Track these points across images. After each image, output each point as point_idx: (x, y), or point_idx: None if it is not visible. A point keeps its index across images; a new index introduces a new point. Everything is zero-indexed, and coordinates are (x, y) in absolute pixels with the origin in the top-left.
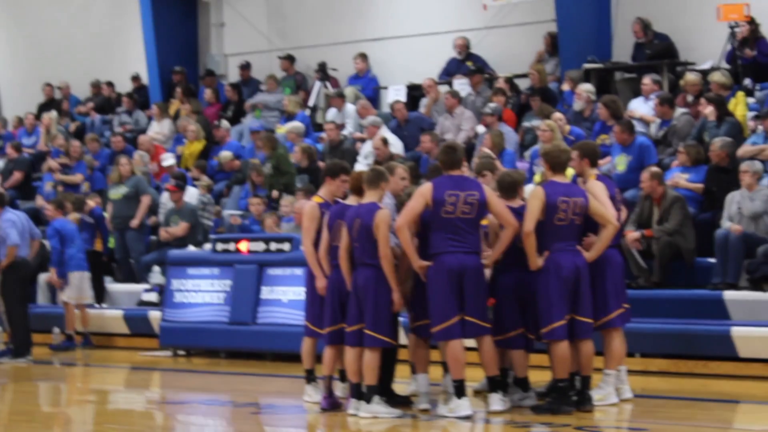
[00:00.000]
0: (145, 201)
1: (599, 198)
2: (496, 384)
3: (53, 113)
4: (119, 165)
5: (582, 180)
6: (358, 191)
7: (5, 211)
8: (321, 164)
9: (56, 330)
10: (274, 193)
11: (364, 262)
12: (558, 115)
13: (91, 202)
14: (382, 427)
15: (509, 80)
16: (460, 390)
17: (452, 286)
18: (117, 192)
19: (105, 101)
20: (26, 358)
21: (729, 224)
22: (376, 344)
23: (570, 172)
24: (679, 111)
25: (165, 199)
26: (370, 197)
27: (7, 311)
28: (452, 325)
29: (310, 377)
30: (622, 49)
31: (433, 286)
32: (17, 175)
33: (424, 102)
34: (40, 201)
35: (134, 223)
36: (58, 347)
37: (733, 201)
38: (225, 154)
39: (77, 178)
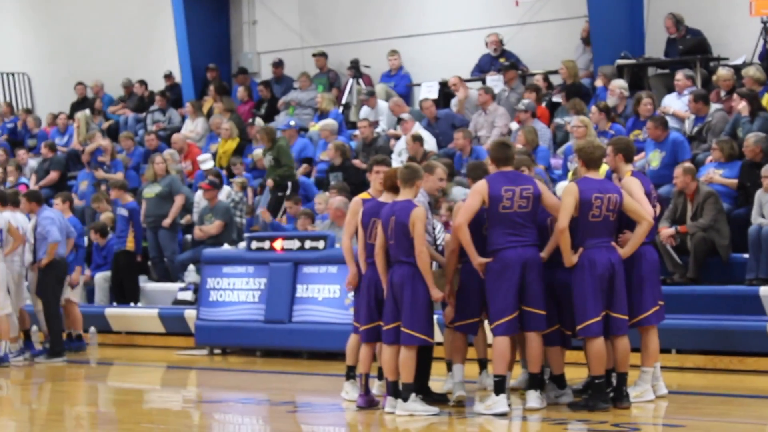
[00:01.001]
0: (179, 200)
1: (635, 194)
2: (536, 381)
3: (86, 112)
4: (154, 164)
5: (617, 176)
6: (393, 189)
7: (43, 209)
8: (354, 161)
9: (92, 329)
10: (269, 183)
11: (399, 259)
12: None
13: (128, 196)
14: (419, 425)
15: (545, 77)
16: (500, 386)
17: (514, 281)
18: (151, 191)
19: (138, 100)
20: (62, 358)
21: (761, 220)
22: (412, 342)
23: (604, 168)
24: (714, 107)
25: (198, 197)
26: (404, 195)
27: (45, 310)
28: (513, 320)
29: (350, 374)
30: (655, 45)
31: (494, 283)
32: (52, 175)
33: (453, 101)
34: (75, 200)
35: (166, 222)
36: (68, 348)
37: (762, 199)
38: (258, 153)
39: (118, 175)
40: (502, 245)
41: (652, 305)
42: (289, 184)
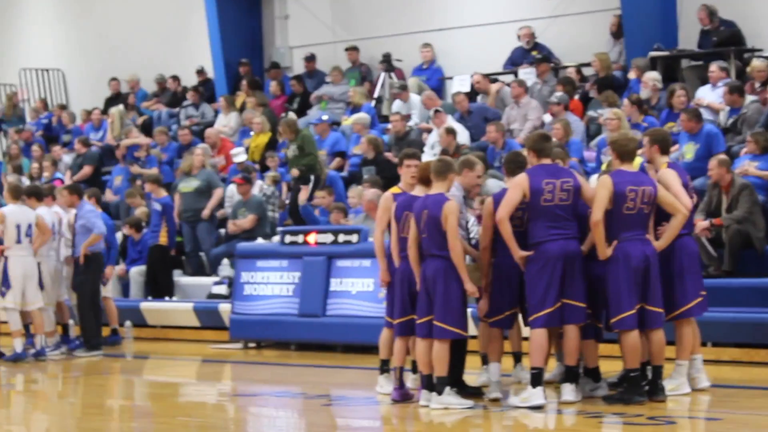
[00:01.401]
0: (218, 194)
1: (672, 186)
2: (571, 374)
3: (120, 107)
4: (193, 155)
5: (652, 167)
6: (426, 182)
7: (84, 203)
8: (388, 155)
9: (128, 323)
10: (294, 172)
11: (432, 253)
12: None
13: (162, 190)
14: (454, 418)
15: (578, 69)
16: (537, 378)
17: (556, 274)
18: (188, 185)
19: (171, 95)
20: (99, 351)
21: None
22: (445, 336)
23: (638, 160)
24: (749, 99)
25: (231, 192)
26: (437, 188)
27: (78, 304)
28: (552, 312)
29: (384, 368)
30: (688, 37)
31: (535, 276)
32: (86, 170)
33: (479, 98)
34: (109, 195)
35: (205, 213)
36: (105, 342)
37: None
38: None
39: (153, 170)
40: (544, 238)
41: (695, 297)
42: (312, 177)
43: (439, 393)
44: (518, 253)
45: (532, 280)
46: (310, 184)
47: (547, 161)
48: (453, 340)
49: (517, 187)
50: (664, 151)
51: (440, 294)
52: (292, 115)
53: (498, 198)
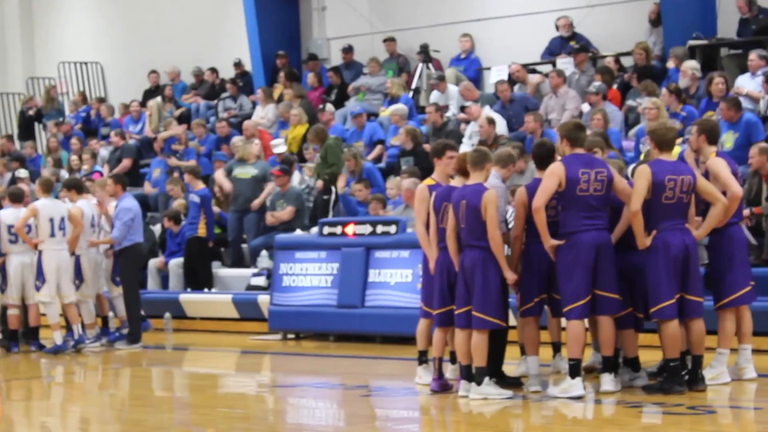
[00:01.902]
0: (270, 187)
1: (722, 174)
2: (609, 364)
3: (158, 100)
4: (252, 144)
5: (691, 156)
6: (464, 172)
7: (124, 196)
8: (426, 146)
9: (167, 315)
10: (318, 183)
11: (470, 243)
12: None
13: (200, 182)
14: (493, 408)
15: (616, 59)
16: (575, 369)
17: (588, 265)
18: (246, 172)
19: (209, 87)
20: (139, 344)
21: None
22: (484, 326)
23: (677, 150)
24: None
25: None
26: (475, 178)
27: (124, 297)
28: (585, 303)
29: (422, 358)
30: (727, 25)
31: (566, 266)
32: (125, 162)
33: (516, 87)
34: (147, 187)
35: (256, 203)
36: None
37: None
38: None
39: (191, 163)
40: (577, 228)
41: (745, 285)
42: (333, 188)
43: (478, 383)
44: (549, 242)
45: (565, 270)
46: (331, 197)
47: (580, 151)
48: (492, 331)
49: (553, 175)
50: (712, 141)
51: (479, 284)
52: (330, 106)
53: (531, 188)
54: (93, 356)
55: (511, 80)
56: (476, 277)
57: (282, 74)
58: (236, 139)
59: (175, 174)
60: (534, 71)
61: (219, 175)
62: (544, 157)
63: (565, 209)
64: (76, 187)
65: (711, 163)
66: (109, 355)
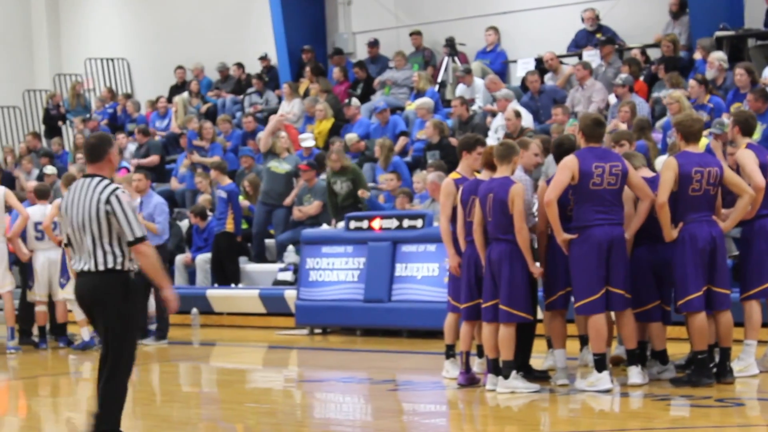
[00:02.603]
0: (301, 183)
1: (747, 166)
2: (635, 357)
3: (184, 95)
4: (280, 138)
5: (719, 148)
6: (491, 166)
7: (152, 193)
8: (452, 140)
9: (194, 311)
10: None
11: (497, 237)
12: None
13: (227, 178)
14: (521, 402)
15: (643, 51)
16: (601, 363)
17: (600, 259)
18: (281, 167)
19: (235, 83)
20: (165, 341)
21: None
22: (511, 320)
23: (703, 141)
24: None
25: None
26: (502, 171)
27: (155, 295)
28: (598, 299)
29: (450, 353)
30: (754, 16)
31: (579, 260)
32: (152, 158)
33: (548, 76)
34: (174, 183)
35: (288, 200)
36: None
37: None
38: (350, 137)
39: (214, 159)
40: (590, 222)
41: None
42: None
43: (506, 377)
44: (561, 236)
45: (577, 264)
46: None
47: (596, 145)
48: (520, 324)
49: (566, 168)
50: (746, 132)
51: (506, 278)
52: (356, 101)
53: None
54: None
55: (543, 69)
56: (503, 271)
57: (308, 69)
58: (262, 134)
59: (199, 170)
60: (560, 63)
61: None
62: (564, 153)
63: (578, 203)
64: None
65: (739, 154)
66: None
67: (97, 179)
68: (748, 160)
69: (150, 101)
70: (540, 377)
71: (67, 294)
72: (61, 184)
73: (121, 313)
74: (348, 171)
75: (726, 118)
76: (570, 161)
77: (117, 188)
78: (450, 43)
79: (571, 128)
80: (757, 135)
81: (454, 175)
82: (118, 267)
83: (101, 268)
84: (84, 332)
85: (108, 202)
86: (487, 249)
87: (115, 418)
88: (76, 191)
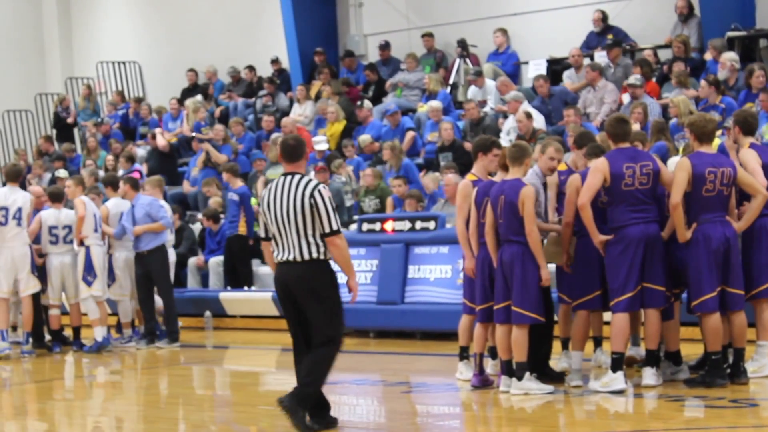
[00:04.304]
0: None
1: (749, 166)
2: (653, 358)
3: (197, 98)
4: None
5: (734, 148)
6: (505, 168)
7: (139, 196)
8: (467, 144)
9: (207, 313)
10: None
11: (509, 238)
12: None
13: (239, 180)
14: (534, 403)
15: (654, 51)
16: (617, 363)
17: (637, 258)
18: (276, 173)
19: (247, 85)
20: (177, 343)
21: None
22: (523, 321)
23: (716, 142)
24: None
25: None
26: (513, 173)
27: (162, 296)
28: (633, 296)
29: (464, 354)
30: (766, 16)
31: (616, 260)
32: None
33: (565, 75)
34: (186, 186)
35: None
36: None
37: None
38: (363, 138)
39: (222, 157)
40: (625, 222)
41: None
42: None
43: (519, 378)
44: (597, 238)
45: (613, 263)
46: None
47: (625, 145)
48: (537, 326)
49: (597, 171)
50: (747, 131)
51: (518, 279)
52: (368, 103)
53: (585, 175)
54: (132, 355)
55: (555, 70)
56: (515, 272)
57: (323, 70)
58: (275, 137)
59: (205, 179)
60: (569, 66)
61: (260, 185)
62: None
63: (612, 204)
64: (112, 185)
65: (742, 154)
66: (149, 355)
67: (297, 176)
68: (751, 160)
69: (160, 105)
70: (556, 378)
71: (94, 291)
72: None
73: (331, 297)
74: (377, 189)
75: None
76: (600, 164)
77: (319, 184)
78: (462, 45)
79: (599, 137)
80: (767, 137)
81: (470, 176)
82: (322, 257)
83: (306, 257)
84: (97, 332)
85: (312, 196)
86: (499, 250)
87: (319, 384)
88: (277, 188)
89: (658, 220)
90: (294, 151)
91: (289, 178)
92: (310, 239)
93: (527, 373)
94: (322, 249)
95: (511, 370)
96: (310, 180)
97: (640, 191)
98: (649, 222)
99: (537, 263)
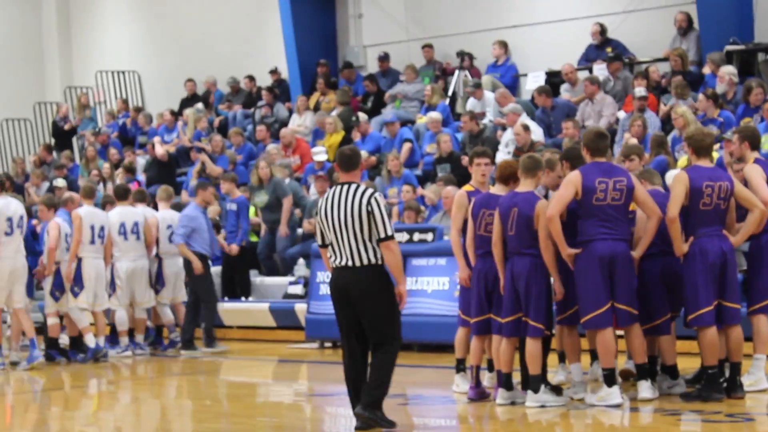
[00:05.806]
0: (287, 204)
1: (753, 181)
2: (644, 372)
3: (197, 106)
4: (258, 169)
5: (731, 163)
6: (506, 180)
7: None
8: (463, 157)
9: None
10: None
11: (521, 251)
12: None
13: (237, 190)
14: (538, 417)
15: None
16: (610, 379)
17: (603, 273)
18: (261, 200)
19: (247, 95)
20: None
21: None
22: (537, 334)
23: (715, 155)
24: None
25: (313, 190)
26: (525, 185)
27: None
28: (603, 313)
29: (460, 367)
30: (765, 30)
31: (583, 275)
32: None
33: (563, 89)
34: (184, 196)
35: (283, 230)
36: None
37: None
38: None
39: (217, 169)
40: (593, 236)
41: None
42: None
43: (535, 391)
44: (566, 251)
45: (580, 278)
46: None
47: (601, 159)
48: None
49: (569, 184)
50: (753, 146)
51: (534, 292)
52: (363, 115)
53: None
54: (129, 365)
55: (554, 83)
56: (531, 285)
57: (321, 81)
58: (272, 147)
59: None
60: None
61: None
62: (574, 157)
63: (582, 218)
64: (119, 195)
65: (747, 169)
66: (145, 365)
67: (354, 185)
68: (756, 175)
69: (160, 115)
70: (554, 392)
71: (80, 303)
72: (81, 196)
73: (388, 299)
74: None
75: None
76: (573, 177)
77: (375, 192)
78: (463, 56)
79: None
80: (766, 147)
81: (467, 187)
82: (379, 261)
83: (365, 263)
84: (89, 339)
85: (369, 203)
86: (508, 263)
87: (387, 386)
88: (334, 197)
89: (628, 239)
90: (350, 160)
91: (345, 187)
92: (367, 245)
93: (543, 386)
94: (378, 254)
95: (508, 382)
96: (367, 188)
97: (611, 207)
98: (616, 239)
99: (548, 276)
